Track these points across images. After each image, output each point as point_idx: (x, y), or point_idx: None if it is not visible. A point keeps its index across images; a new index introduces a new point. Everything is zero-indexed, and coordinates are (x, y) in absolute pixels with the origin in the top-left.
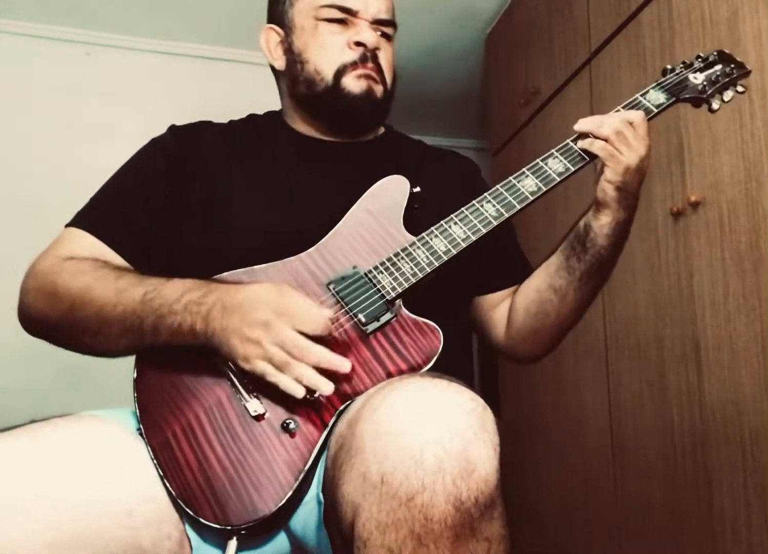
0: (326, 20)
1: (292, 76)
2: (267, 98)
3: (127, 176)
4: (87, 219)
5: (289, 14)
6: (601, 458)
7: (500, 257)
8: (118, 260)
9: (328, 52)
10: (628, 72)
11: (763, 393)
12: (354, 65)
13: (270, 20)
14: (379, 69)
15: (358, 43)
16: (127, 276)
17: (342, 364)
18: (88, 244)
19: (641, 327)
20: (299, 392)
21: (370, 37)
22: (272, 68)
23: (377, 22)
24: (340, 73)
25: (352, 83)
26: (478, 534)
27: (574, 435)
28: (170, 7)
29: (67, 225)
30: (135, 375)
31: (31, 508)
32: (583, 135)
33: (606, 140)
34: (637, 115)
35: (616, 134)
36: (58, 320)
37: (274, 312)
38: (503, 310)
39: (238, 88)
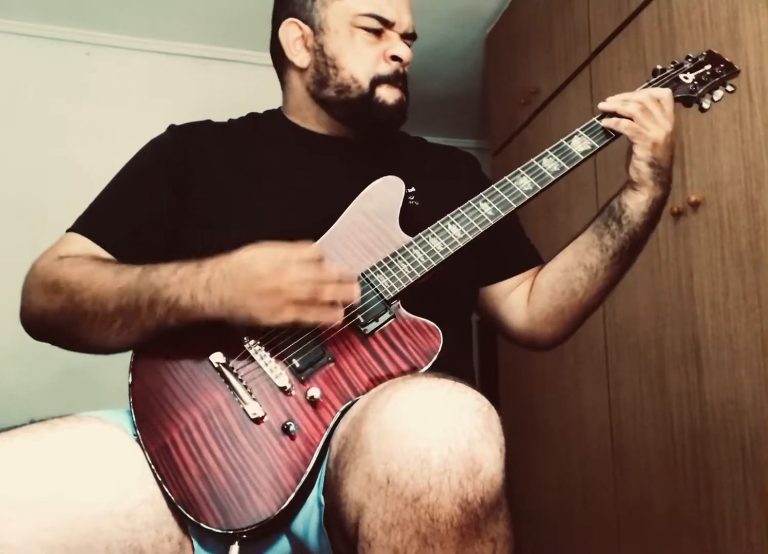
0: (363, 29)
1: (320, 78)
2: (267, 98)
3: (127, 179)
4: (87, 224)
5: (321, 14)
6: (601, 458)
7: (510, 245)
8: None
9: (365, 62)
10: (628, 72)
11: (763, 393)
12: (388, 81)
13: (291, 14)
14: (406, 82)
15: (394, 57)
16: (126, 263)
17: (350, 274)
18: (87, 248)
19: (641, 327)
20: (340, 315)
21: (405, 51)
22: (280, 61)
23: (405, 36)
24: (375, 83)
25: (387, 93)
26: (483, 534)
27: (574, 434)
28: (170, 7)
29: (68, 230)
30: (130, 380)
31: (29, 509)
32: (609, 114)
33: (631, 118)
34: (665, 93)
35: (642, 111)
36: (58, 313)
37: (274, 260)
38: (518, 296)
39: (237, 88)
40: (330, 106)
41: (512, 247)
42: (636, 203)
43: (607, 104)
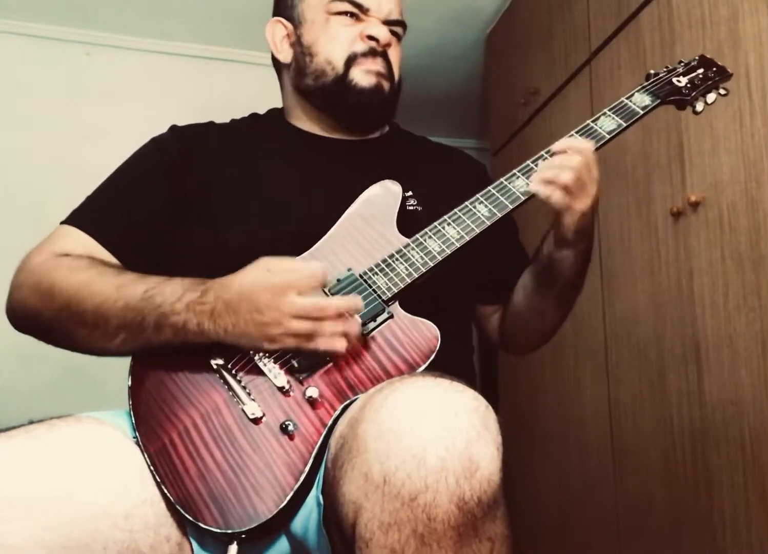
0: (338, 14)
1: (299, 68)
2: (267, 98)
3: (126, 176)
4: (82, 218)
5: (298, 8)
6: (601, 458)
7: (500, 269)
8: (111, 259)
9: (338, 42)
10: (628, 72)
11: (763, 393)
12: (364, 56)
13: (277, 14)
14: (388, 66)
15: (371, 37)
16: (126, 273)
17: (356, 302)
18: (82, 242)
19: (641, 327)
20: (341, 345)
21: (382, 32)
22: (275, 63)
23: (388, 23)
24: (350, 61)
25: (361, 76)
26: (481, 534)
27: (574, 434)
28: (170, 8)
29: (62, 223)
30: (129, 383)
31: (29, 509)
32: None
33: (565, 187)
34: (589, 148)
35: (577, 181)
36: (52, 316)
37: (274, 290)
38: (497, 319)
39: (237, 88)
40: (310, 97)
41: (500, 273)
42: (561, 256)
43: (541, 175)
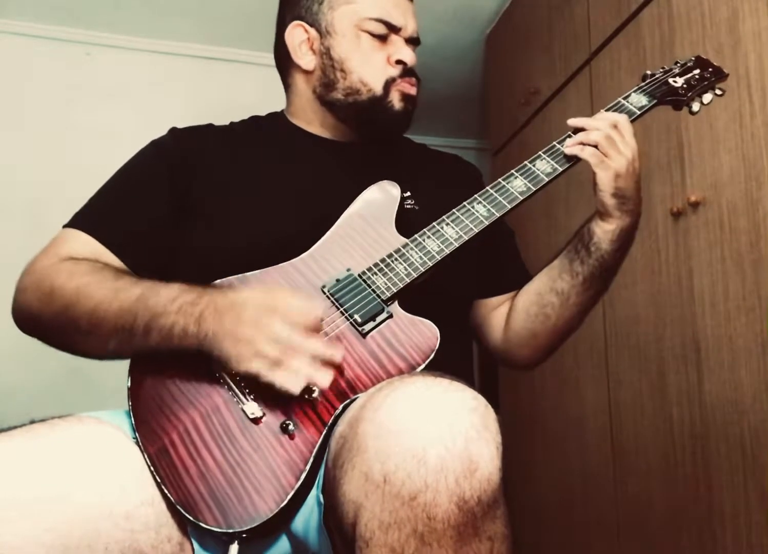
0: (369, 33)
1: (327, 81)
2: (267, 98)
3: (127, 178)
4: (85, 220)
5: (327, 17)
6: (601, 458)
7: (501, 262)
8: (116, 262)
9: (373, 67)
10: (628, 72)
11: (763, 393)
12: (401, 77)
13: (297, 17)
14: (417, 81)
15: (399, 62)
16: (125, 277)
17: (335, 353)
18: (87, 245)
19: (641, 327)
20: (295, 388)
21: (409, 55)
22: (285, 64)
23: (409, 40)
24: (389, 85)
25: (398, 100)
26: (480, 533)
27: (574, 434)
28: (170, 7)
29: (65, 226)
30: (129, 383)
31: (28, 510)
32: (577, 130)
33: (596, 146)
34: (622, 118)
35: (606, 139)
36: (51, 319)
37: (264, 310)
38: (501, 314)
39: (238, 88)
40: (337, 109)
41: (501, 266)
42: (603, 231)
43: (575, 122)
